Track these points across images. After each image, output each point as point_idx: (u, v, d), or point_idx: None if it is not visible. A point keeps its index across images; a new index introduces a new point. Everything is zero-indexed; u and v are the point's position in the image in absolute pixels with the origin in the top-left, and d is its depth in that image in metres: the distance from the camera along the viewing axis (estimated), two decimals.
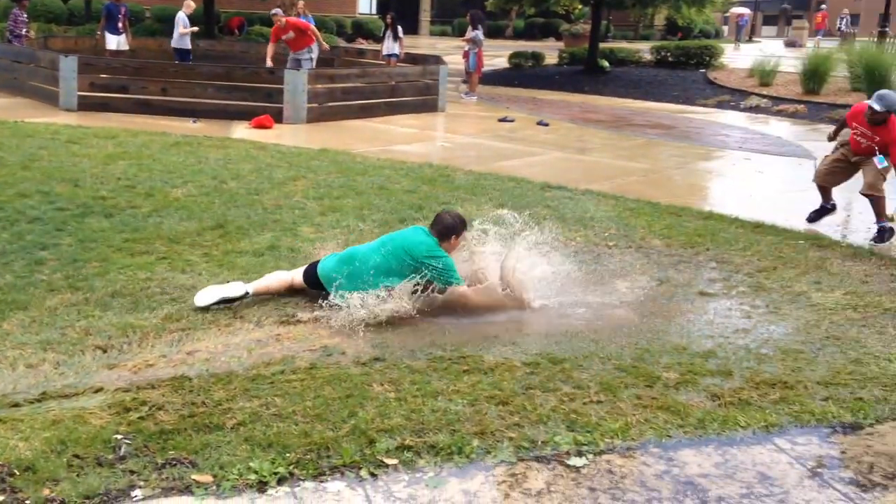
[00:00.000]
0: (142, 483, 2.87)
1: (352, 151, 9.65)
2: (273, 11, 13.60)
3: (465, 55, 16.68)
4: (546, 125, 13.20)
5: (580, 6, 26.41)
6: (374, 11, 38.07)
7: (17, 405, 3.41)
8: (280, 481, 2.93)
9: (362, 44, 30.21)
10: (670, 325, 4.67)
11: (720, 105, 17.13)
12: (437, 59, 15.67)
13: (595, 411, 3.55)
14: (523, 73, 22.18)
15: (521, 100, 17.02)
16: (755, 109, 16.51)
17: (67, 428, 3.17)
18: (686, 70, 22.71)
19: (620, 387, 3.80)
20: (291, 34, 13.46)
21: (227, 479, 2.90)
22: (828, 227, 7.27)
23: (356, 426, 3.29)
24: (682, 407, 3.62)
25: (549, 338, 4.42)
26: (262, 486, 2.89)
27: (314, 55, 13.88)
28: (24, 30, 15.93)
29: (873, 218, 6.90)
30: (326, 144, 9.96)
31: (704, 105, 17.19)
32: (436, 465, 3.09)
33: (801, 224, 7.22)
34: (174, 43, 15.48)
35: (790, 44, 37.38)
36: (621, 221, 6.84)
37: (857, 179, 7.03)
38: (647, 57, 24.45)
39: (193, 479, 2.89)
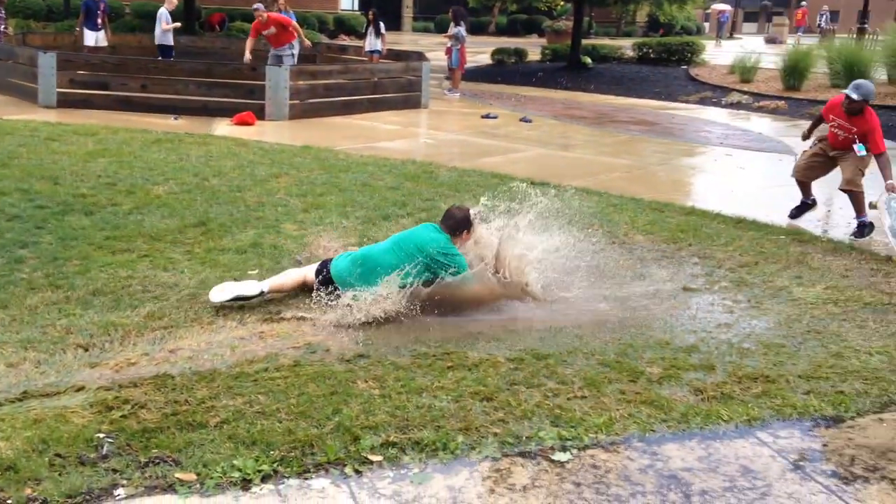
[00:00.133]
0: (125, 482, 2.85)
1: (334, 148, 9.62)
2: (255, 6, 13.51)
3: (448, 51, 16.67)
4: (529, 122, 13.22)
5: (562, 2, 26.47)
6: (356, 7, 37.95)
7: None
8: (264, 479, 2.92)
9: (345, 40, 30.11)
10: (653, 321, 4.70)
11: (702, 101, 17.23)
12: (420, 56, 15.65)
13: (579, 406, 3.56)
14: (506, 70, 22.20)
15: (504, 96, 17.04)
16: (736, 106, 16.61)
17: (49, 427, 3.15)
18: (668, 67, 22.83)
19: (604, 382, 3.81)
20: (273, 30, 13.38)
21: (211, 478, 2.89)
22: (808, 222, 7.33)
23: (340, 423, 3.28)
24: (665, 401, 3.64)
25: (533, 333, 4.43)
26: (245, 484, 2.88)
27: (295, 51, 13.81)
28: (2, 26, 15.76)
29: (853, 213, 6.96)
30: (309, 141, 9.93)
31: (686, 101, 17.28)
32: (420, 461, 3.09)
33: (782, 219, 7.27)
34: (157, 39, 15.38)
35: (770, 40, 37.65)
36: (605, 217, 6.86)
37: (837, 174, 7.08)
38: (630, 53, 24.55)
39: (177, 478, 2.88)
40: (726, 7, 41.19)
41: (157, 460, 2.97)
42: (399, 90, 14.17)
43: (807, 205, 7.38)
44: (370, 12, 17.43)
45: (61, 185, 6.94)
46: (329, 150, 9.41)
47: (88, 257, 5.25)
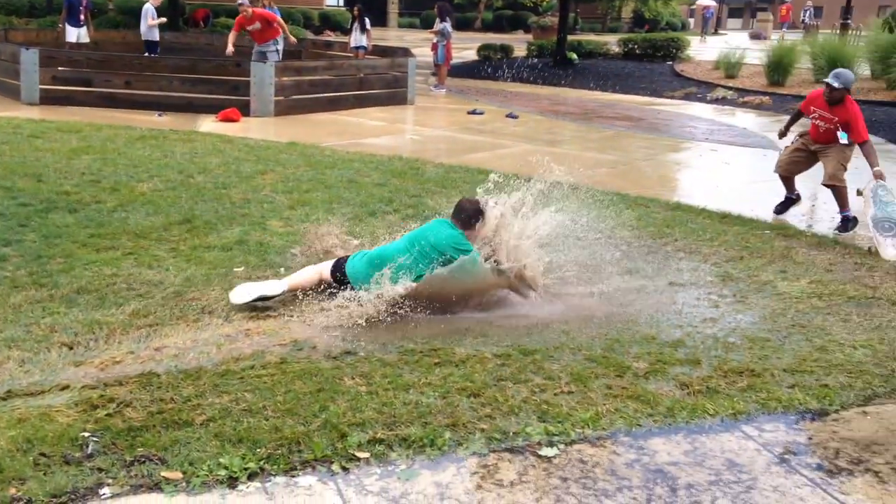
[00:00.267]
0: (110, 481, 2.83)
1: (320, 145, 9.59)
2: (239, 1, 13.44)
3: (434, 47, 16.65)
4: (515, 117, 13.22)
5: None
6: (341, 3, 37.85)
7: None
8: (251, 476, 2.91)
9: (330, 36, 30.04)
10: (640, 315, 4.71)
11: (687, 97, 17.30)
12: (406, 52, 15.62)
13: (566, 402, 3.57)
14: (492, 66, 22.19)
15: (490, 92, 17.04)
16: (721, 101, 16.69)
17: (34, 426, 3.13)
18: (653, 62, 22.91)
19: (591, 377, 3.82)
20: (258, 25, 13.26)
21: (197, 476, 2.88)
22: (793, 216, 7.38)
23: (327, 420, 3.28)
24: (651, 396, 3.66)
25: (520, 329, 4.43)
26: (232, 482, 2.87)
27: (280, 47, 13.72)
28: None
29: (837, 208, 7.01)
30: (294, 138, 9.89)
31: (672, 97, 17.34)
32: (408, 457, 3.09)
33: (766, 214, 7.31)
34: (143, 35, 15.29)
35: (755, 36, 37.83)
36: (590, 212, 6.86)
37: (820, 169, 7.12)
38: (615, 49, 24.62)
39: (163, 476, 2.86)
40: (711, 3, 41.33)
41: (143, 459, 2.96)
42: (385, 86, 14.14)
43: (791, 200, 7.42)
44: (355, 8, 17.38)
45: (45, 183, 6.88)
46: (315, 147, 9.38)
47: (72, 255, 5.21)
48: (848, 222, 6.89)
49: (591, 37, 31.14)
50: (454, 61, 18.40)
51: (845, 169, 6.95)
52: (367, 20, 17.08)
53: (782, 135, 7.65)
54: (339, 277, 4.71)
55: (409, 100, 14.37)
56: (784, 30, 36.79)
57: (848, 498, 3.01)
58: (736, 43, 25.23)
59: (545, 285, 4.89)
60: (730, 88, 17.87)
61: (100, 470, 2.88)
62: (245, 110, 11.72)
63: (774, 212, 7.39)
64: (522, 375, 3.81)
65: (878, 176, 6.62)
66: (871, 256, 6.15)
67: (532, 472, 3.06)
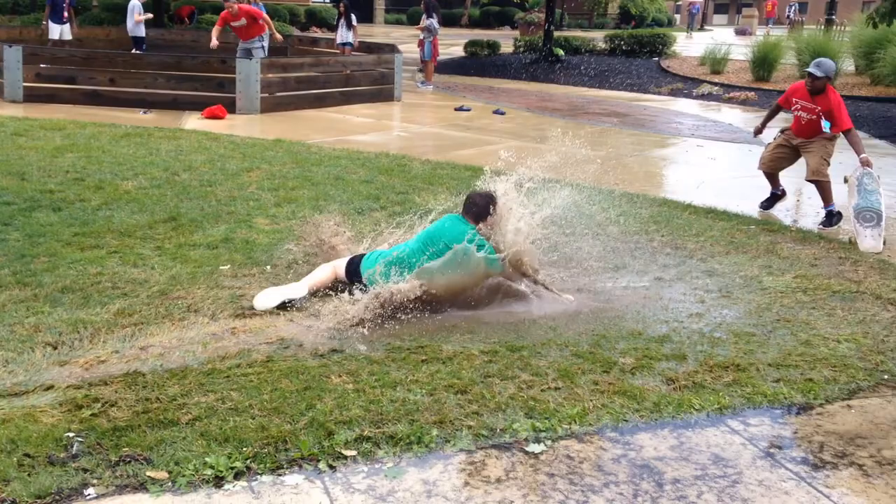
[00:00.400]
0: (95, 481, 2.82)
1: (307, 142, 9.56)
2: None
3: (421, 44, 16.62)
4: (503, 114, 13.23)
5: None
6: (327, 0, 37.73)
7: None
8: (237, 476, 2.90)
9: (316, 32, 29.95)
10: (626, 311, 4.72)
11: (673, 93, 17.34)
12: (392, 48, 15.59)
13: (553, 398, 3.58)
14: (479, 62, 22.20)
15: (477, 88, 17.03)
16: (707, 97, 16.75)
17: (17, 427, 3.10)
18: (640, 58, 22.97)
19: (578, 373, 3.83)
20: (243, 21, 13.19)
21: (183, 475, 2.87)
22: (778, 211, 7.41)
23: (314, 418, 3.27)
24: (638, 391, 3.67)
25: (507, 326, 4.43)
26: (218, 481, 2.86)
27: (265, 44, 13.66)
28: None
29: (822, 203, 7.04)
30: (281, 135, 9.86)
31: (658, 93, 17.38)
32: (395, 455, 3.09)
33: (752, 209, 7.34)
34: (130, 31, 15.21)
35: (740, 32, 38.01)
36: (577, 208, 6.87)
37: (804, 165, 7.15)
38: (602, 45, 24.67)
39: (148, 476, 2.85)
40: None
41: (128, 459, 2.94)
42: (371, 83, 14.11)
43: (777, 195, 7.45)
44: (341, 4, 17.32)
45: (28, 181, 6.83)
46: (301, 144, 9.35)
47: (57, 254, 5.17)
48: (832, 217, 6.93)
49: (578, 33, 31.20)
50: (441, 58, 18.39)
51: (828, 163, 6.98)
52: (353, 16, 17.04)
53: (758, 131, 7.66)
54: (353, 276, 4.70)
55: (395, 96, 14.34)
56: (769, 25, 36.97)
57: (832, 491, 3.03)
58: (722, 39, 25.30)
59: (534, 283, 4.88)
60: (715, 84, 17.94)
61: (85, 470, 2.87)
62: (231, 107, 11.67)
63: (760, 207, 7.43)
64: (509, 372, 3.82)
65: (865, 163, 6.65)
66: (856, 251, 6.18)
67: (519, 468, 3.06)
